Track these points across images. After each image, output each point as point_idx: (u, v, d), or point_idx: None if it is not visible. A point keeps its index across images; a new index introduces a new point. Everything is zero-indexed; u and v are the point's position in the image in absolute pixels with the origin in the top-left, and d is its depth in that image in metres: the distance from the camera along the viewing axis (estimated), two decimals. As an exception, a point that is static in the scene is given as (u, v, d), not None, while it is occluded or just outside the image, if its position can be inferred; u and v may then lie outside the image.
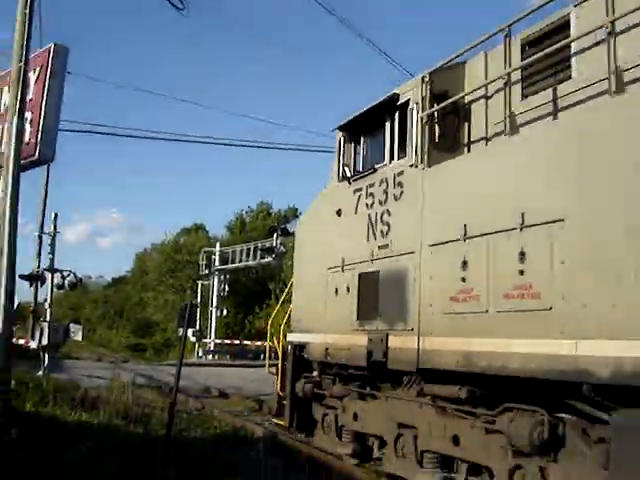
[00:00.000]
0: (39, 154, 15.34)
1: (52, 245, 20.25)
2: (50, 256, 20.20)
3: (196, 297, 48.28)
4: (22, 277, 19.01)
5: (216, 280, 47.75)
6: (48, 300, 19.92)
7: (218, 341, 46.63)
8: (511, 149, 7.83)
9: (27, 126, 14.87)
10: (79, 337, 62.81)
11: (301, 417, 12.19)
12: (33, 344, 19.68)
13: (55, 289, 20.41)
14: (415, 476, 8.90)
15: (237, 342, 45.80)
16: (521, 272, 7.05)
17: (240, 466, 9.37)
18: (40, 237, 22.36)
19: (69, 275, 19.89)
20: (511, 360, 6.99)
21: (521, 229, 7.11)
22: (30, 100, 15.14)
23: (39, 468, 7.50)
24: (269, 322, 14.38)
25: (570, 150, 6.69)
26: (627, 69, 6.88)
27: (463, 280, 7.89)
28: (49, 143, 15.45)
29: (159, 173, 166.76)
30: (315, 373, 11.91)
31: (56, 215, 21.34)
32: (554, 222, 6.71)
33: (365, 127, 10.79)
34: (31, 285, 20.74)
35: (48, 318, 19.54)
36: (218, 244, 49.91)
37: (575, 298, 6.38)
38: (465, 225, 7.93)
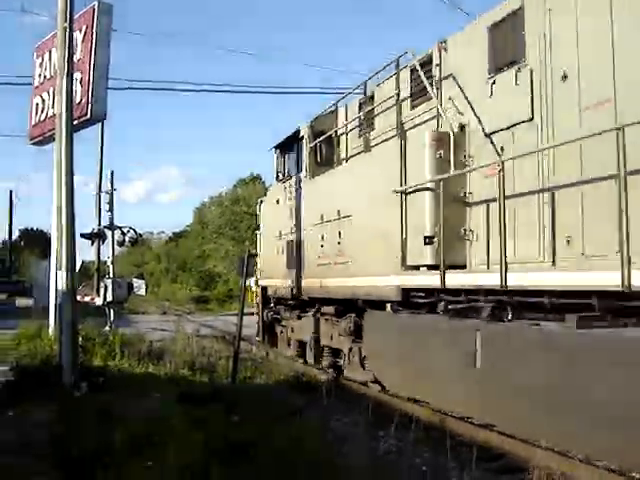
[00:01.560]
0: (91, 113, 15.56)
1: (110, 202, 20.46)
2: (109, 214, 20.45)
3: (255, 247, 48.47)
4: (83, 235, 19.35)
5: (274, 229, 47.81)
6: (110, 257, 20.23)
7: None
8: (335, 174, 13.44)
9: (77, 86, 15.03)
10: (143, 292, 63.66)
11: (269, 335, 17.70)
12: (99, 301, 20.07)
13: (116, 246, 20.70)
14: (321, 363, 14.19)
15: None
16: (339, 243, 12.64)
17: (304, 409, 9.49)
18: (99, 195, 22.68)
19: (129, 232, 20.16)
20: (337, 290, 12.66)
21: (339, 219, 12.59)
22: (78, 60, 15.29)
23: (109, 420, 7.70)
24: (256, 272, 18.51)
25: (351, 180, 12.36)
26: (374, 138, 12.53)
27: (322, 246, 13.46)
28: (100, 101, 15.63)
29: (217, 125, 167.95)
30: (272, 305, 17.44)
31: (112, 173, 21.58)
32: (348, 217, 12.23)
33: (287, 148, 16.39)
34: (92, 243, 21.07)
35: (111, 275, 19.87)
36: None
37: (355, 257, 11.94)
38: (322, 215, 13.40)
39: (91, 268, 29.92)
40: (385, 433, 8.26)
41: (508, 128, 8.83)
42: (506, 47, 9.04)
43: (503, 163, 8.16)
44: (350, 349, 12.61)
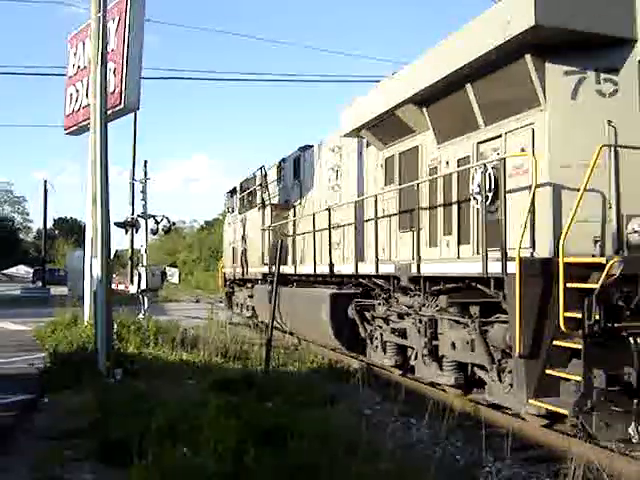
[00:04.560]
0: (125, 102, 15.59)
1: (144, 192, 20.51)
2: (143, 202, 20.52)
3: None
4: (117, 224, 19.41)
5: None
6: (144, 245, 20.34)
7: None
8: (247, 215, 22.48)
9: (111, 76, 15.09)
10: (176, 280, 63.25)
11: (230, 303, 26.70)
12: (132, 289, 20.19)
13: (150, 234, 20.76)
14: (241, 315, 23.51)
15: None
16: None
17: (337, 397, 9.50)
18: (132, 185, 22.78)
19: (162, 220, 20.18)
20: (245, 275, 22.00)
21: (246, 240, 22.42)
22: (112, 50, 15.32)
23: (144, 406, 7.77)
24: (219, 264, 29.74)
25: (251, 220, 21.99)
26: (260, 199, 21.37)
27: (242, 252, 22.72)
28: (134, 91, 15.66)
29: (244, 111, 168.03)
30: (228, 283, 26.38)
31: (146, 162, 21.67)
32: (249, 238, 22.10)
33: (232, 194, 25.75)
34: (126, 232, 21.15)
35: (145, 263, 19.99)
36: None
37: (251, 259, 21.22)
38: (242, 236, 22.90)
39: (124, 256, 30.15)
40: (418, 421, 8.28)
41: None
42: (283, 176, 20.03)
43: (295, 220, 18.02)
44: (250, 299, 21.79)
